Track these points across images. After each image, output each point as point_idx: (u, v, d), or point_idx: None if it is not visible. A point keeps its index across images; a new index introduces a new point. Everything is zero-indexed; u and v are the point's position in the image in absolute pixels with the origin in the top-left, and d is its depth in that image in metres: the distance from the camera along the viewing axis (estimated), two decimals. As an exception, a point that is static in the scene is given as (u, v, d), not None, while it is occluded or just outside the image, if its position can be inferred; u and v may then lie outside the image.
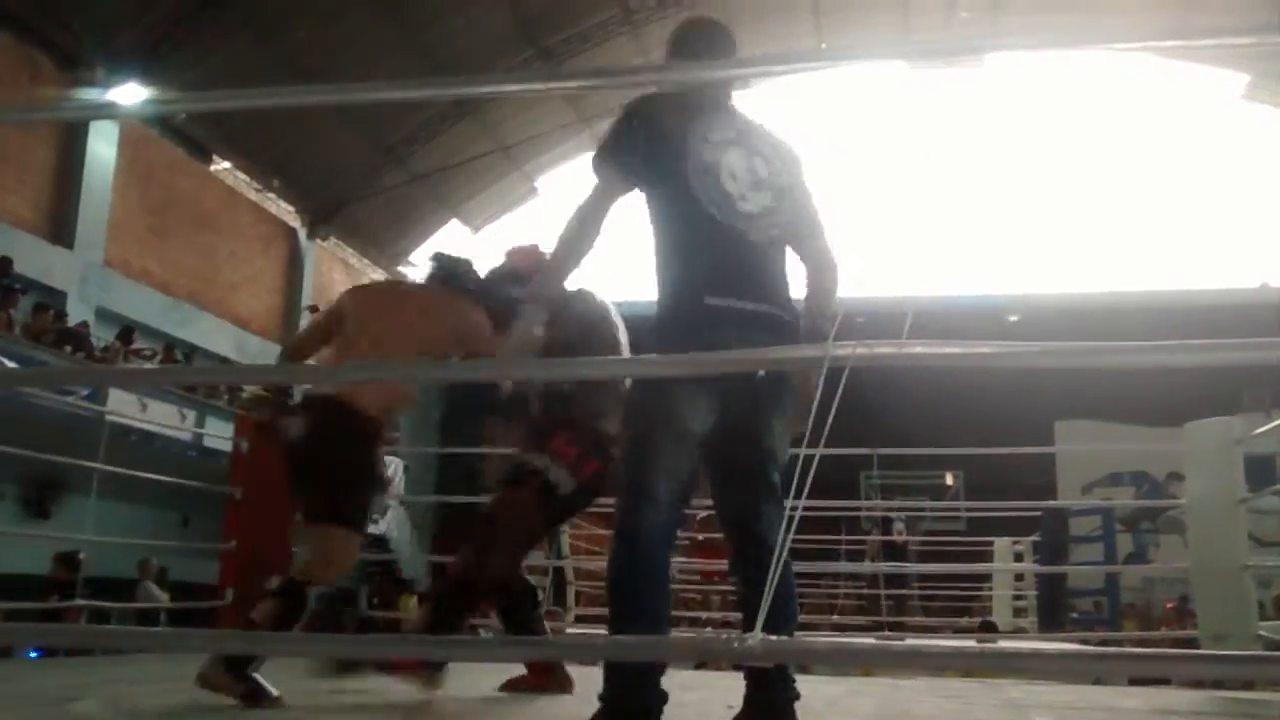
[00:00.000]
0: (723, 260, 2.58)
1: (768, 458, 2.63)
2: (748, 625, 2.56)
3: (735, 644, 1.53)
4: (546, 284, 2.89)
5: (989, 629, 9.89)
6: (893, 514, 10.89)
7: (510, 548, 3.85)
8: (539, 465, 3.77)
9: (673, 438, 2.51)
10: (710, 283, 2.55)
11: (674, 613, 10.08)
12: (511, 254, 4.26)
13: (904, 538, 10.68)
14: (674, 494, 2.53)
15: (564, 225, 2.83)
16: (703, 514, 7.74)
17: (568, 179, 24.16)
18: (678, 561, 11.18)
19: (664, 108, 2.77)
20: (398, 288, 4.81)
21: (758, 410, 2.59)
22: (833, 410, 1.87)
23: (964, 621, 11.59)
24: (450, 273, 4.02)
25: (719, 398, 2.51)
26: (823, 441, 1.94)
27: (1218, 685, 5.00)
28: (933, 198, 21.28)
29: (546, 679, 3.95)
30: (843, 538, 10.69)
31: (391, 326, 3.72)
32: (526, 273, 3.92)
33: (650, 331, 2.62)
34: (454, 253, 4.20)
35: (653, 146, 2.69)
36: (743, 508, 2.65)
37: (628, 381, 3.21)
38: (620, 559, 2.52)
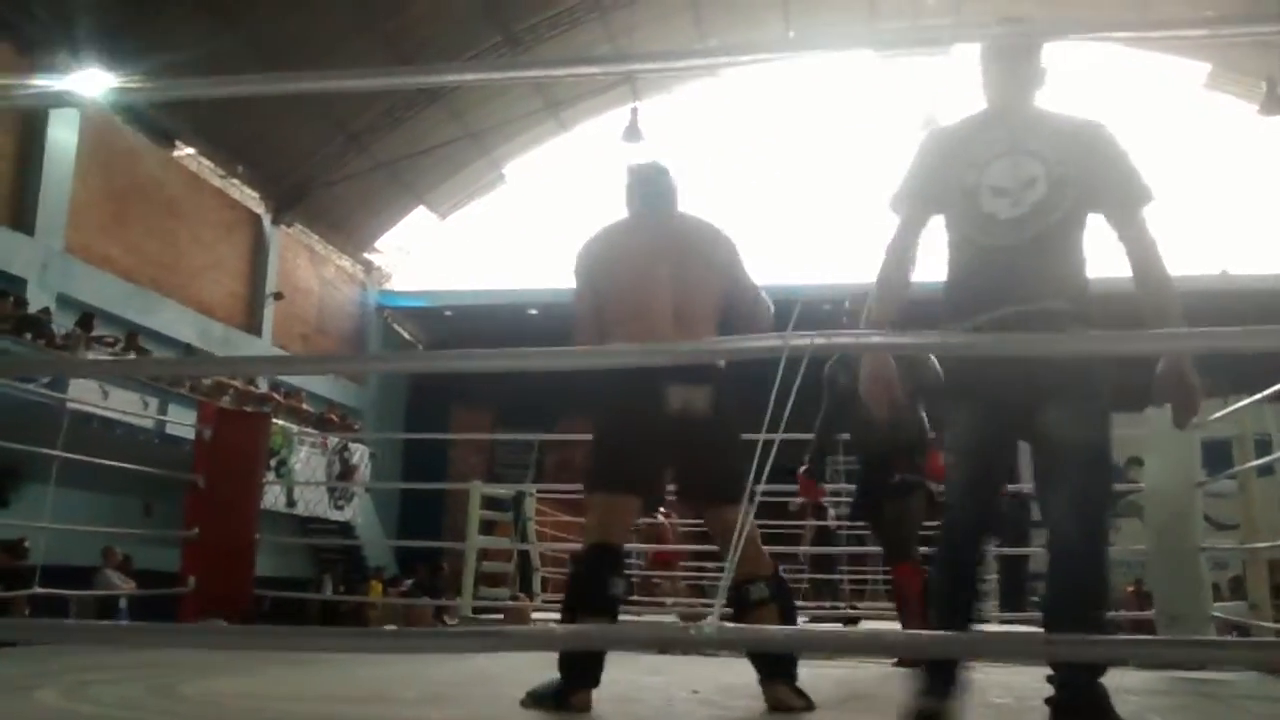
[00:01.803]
0: (986, 283, 2.71)
1: (1067, 455, 2.66)
2: (1049, 626, 2.66)
3: (692, 631, 1.55)
4: (876, 323, 2.90)
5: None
6: (826, 500, 10.93)
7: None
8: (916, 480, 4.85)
9: (965, 452, 2.74)
10: (975, 308, 2.70)
11: (639, 599, 10.12)
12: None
13: (836, 523, 10.76)
14: (979, 500, 2.75)
15: (880, 265, 2.89)
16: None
17: (535, 165, 24.13)
18: (641, 548, 11.24)
19: (942, 137, 2.91)
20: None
21: (1050, 407, 2.66)
22: (792, 397, 1.89)
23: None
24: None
25: (1001, 403, 2.67)
26: (783, 426, 1.96)
27: (1172, 665, 5.09)
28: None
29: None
30: (809, 523, 10.74)
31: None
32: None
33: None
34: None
35: (932, 177, 2.83)
36: (1057, 509, 2.68)
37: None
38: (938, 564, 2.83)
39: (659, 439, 3.43)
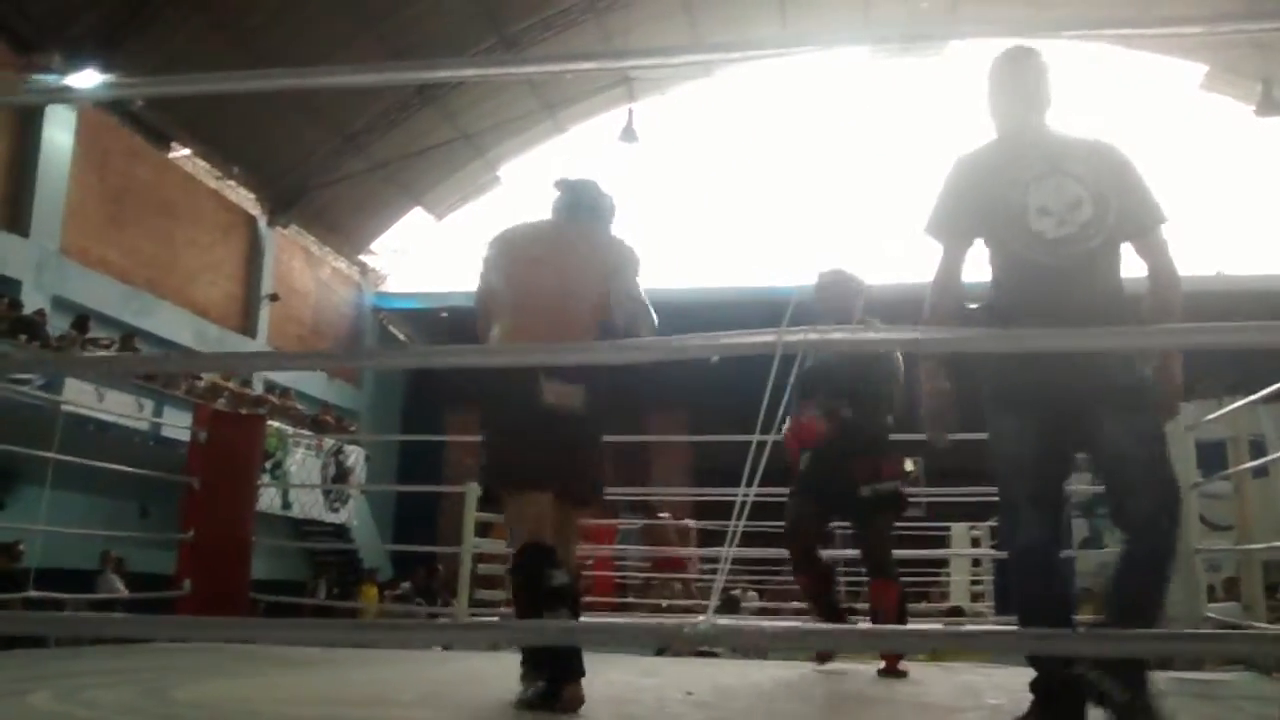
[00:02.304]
0: (1034, 299, 2.74)
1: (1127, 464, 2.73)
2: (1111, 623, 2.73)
3: (686, 629, 1.54)
4: (935, 354, 2.94)
5: (957, 613, 9.99)
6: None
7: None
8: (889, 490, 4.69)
9: (1019, 462, 2.78)
10: (1024, 320, 2.73)
11: (631, 600, 10.10)
12: None
13: (836, 525, 10.75)
14: (1044, 515, 2.78)
15: (931, 294, 2.92)
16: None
17: (531, 167, 24.10)
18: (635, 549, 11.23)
19: (973, 162, 2.94)
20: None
21: (1107, 420, 2.72)
22: (786, 394, 1.88)
23: (922, 606, 11.69)
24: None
25: (1051, 415, 2.72)
26: (775, 428, 1.95)
27: (1166, 665, 5.08)
28: (895, 184, 21.38)
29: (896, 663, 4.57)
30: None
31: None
32: None
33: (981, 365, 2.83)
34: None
35: (968, 201, 2.86)
36: (1127, 512, 2.74)
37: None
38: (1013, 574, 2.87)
39: (537, 432, 3.49)
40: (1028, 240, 2.78)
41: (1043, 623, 2.72)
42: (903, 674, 4.54)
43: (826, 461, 4.75)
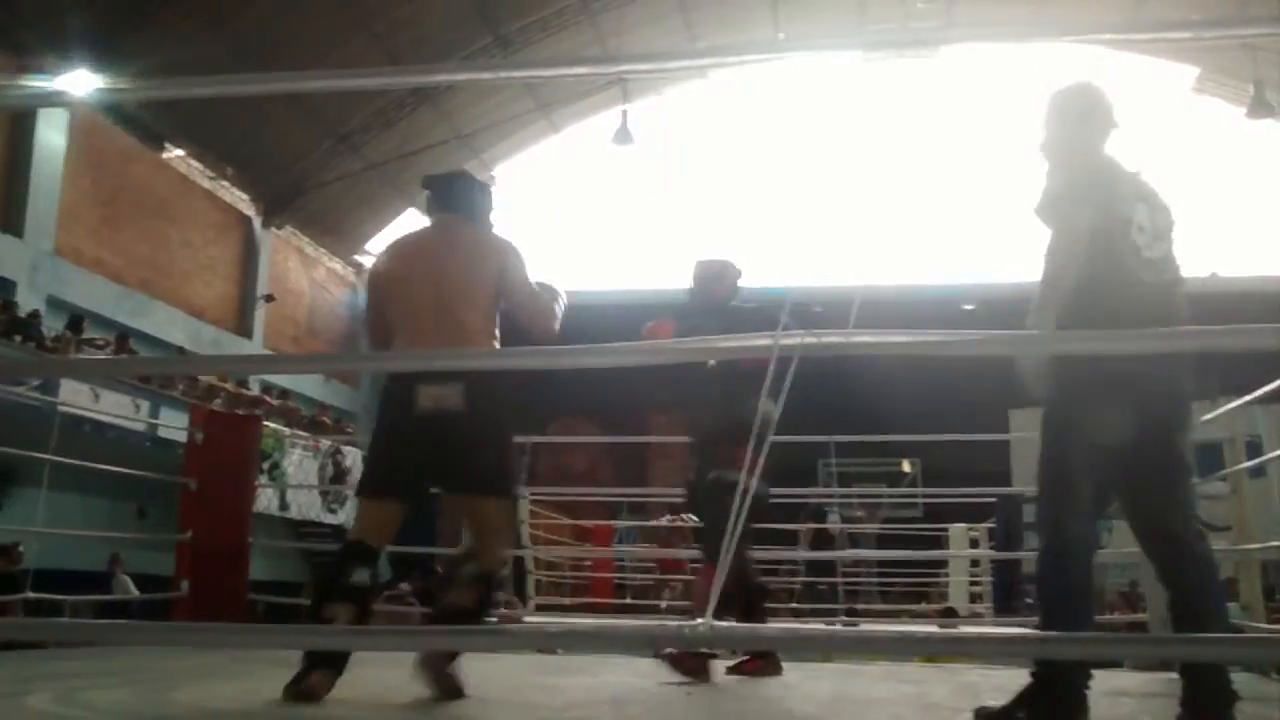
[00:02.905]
0: (1136, 313, 2.79)
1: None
2: (1175, 626, 2.93)
3: (685, 630, 1.55)
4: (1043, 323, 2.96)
5: (950, 614, 10.01)
6: (827, 505, 10.95)
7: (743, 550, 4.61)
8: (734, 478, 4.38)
9: (1100, 454, 2.84)
10: (1134, 313, 2.79)
11: (631, 601, 10.12)
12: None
13: (838, 527, 10.74)
14: (1096, 504, 2.92)
15: (1050, 273, 2.94)
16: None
17: (526, 167, 24.11)
18: (631, 549, 11.24)
19: (1098, 165, 3.11)
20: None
21: (1170, 428, 2.89)
22: (781, 398, 1.89)
23: (921, 607, 11.71)
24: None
25: (1136, 417, 2.82)
26: (773, 429, 1.96)
27: (1166, 666, 5.09)
28: (890, 187, 21.42)
29: (766, 665, 4.47)
30: (801, 525, 10.76)
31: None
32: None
33: (1067, 367, 2.83)
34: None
35: (1095, 199, 2.96)
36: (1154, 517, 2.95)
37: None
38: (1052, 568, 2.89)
39: (412, 439, 3.59)
40: (1130, 250, 2.91)
41: (1081, 613, 2.82)
42: (765, 673, 4.41)
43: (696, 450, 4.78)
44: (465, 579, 3.64)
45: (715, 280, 4.94)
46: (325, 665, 3.40)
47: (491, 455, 3.67)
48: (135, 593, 10.76)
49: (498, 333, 3.79)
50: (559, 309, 3.87)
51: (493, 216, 4.01)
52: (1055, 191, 3.00)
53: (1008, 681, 3.87)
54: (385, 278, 3.81)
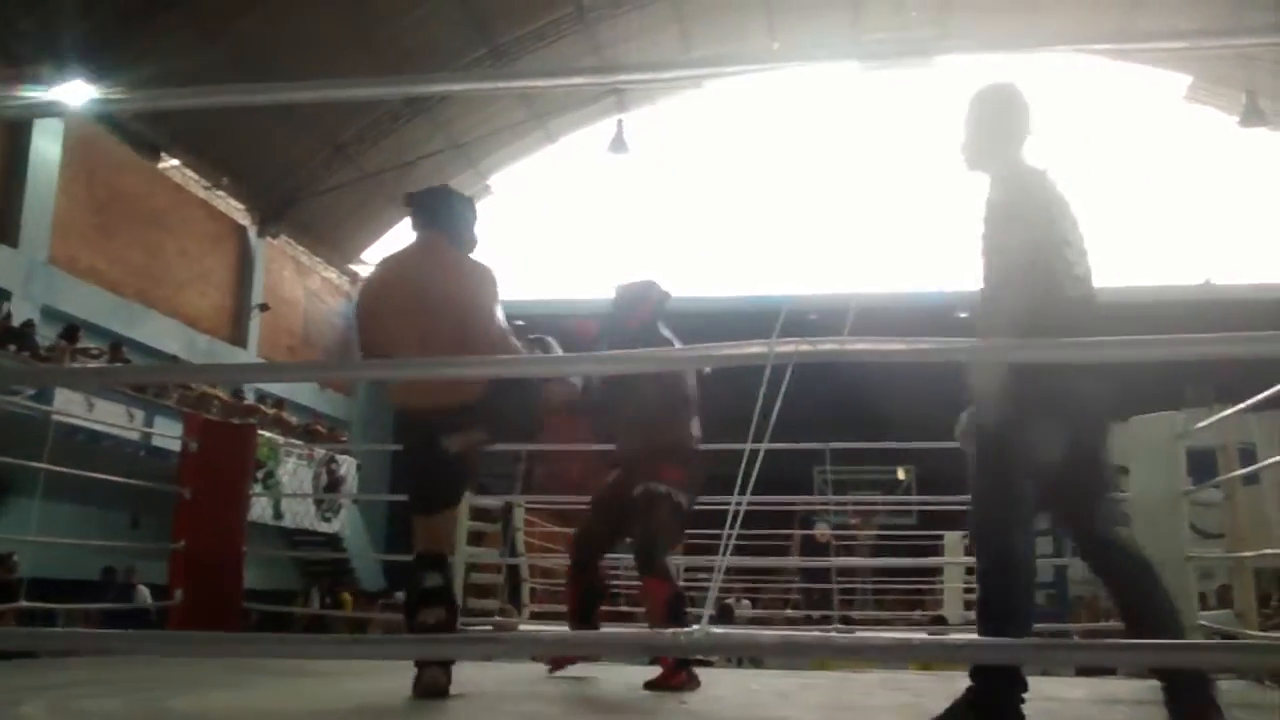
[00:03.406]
0: (1064, 324, 2.82)
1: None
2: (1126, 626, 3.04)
3: (681, 637, 1.55)
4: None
5: (939, 622, 9.99)
6: (816, 513, 10.98)
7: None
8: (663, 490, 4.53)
9: (1041, 469, 2.91)
10: (1071, 332, 2.80)
11: (622, 609, 10.10)
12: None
13: (826, 535, 10.75)
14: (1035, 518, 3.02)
15: (991, 295, 2.99)
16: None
17: (521, 177, 24.13)
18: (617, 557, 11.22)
19: (1038, 183, 3.07)
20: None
21: (1096, 444, 3.00)
22: (777, 405, 1.89)
23: (916, 615, 11.71)
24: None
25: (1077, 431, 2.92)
26: (768, 436, 1.96)
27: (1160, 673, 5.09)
28: (884, 195, 21.46)
29: (679, 678, 4.35)
30: (795, 532, 10.77)
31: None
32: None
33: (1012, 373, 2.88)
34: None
35: (1034, 220, 2.97)
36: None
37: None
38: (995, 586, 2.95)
39: (436, 467, 3.82)
40: (1065, 268, 2.96)
41: (1024, 632, 2.90)
42: (679, 688, 4.28)
43: (626, 466, 4.75)
44: (429, 594, 3.73)
45: (639, 300, 4.96)
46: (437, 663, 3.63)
47: (439, 477, 3.89)
48: (152, 604, 10.73)
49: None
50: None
51: (477, 229, 4.05)
52: (997, 209, 3.02)
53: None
54: (367, 311, 3.94)
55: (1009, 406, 2.85)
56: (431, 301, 3.75)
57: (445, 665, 3.71)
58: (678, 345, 4.67)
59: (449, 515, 4.04)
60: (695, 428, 4.76)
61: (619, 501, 4.69)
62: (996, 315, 2.91)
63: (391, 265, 4.01)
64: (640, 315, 4.88)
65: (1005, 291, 2.90)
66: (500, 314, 3.84)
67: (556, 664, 4.73)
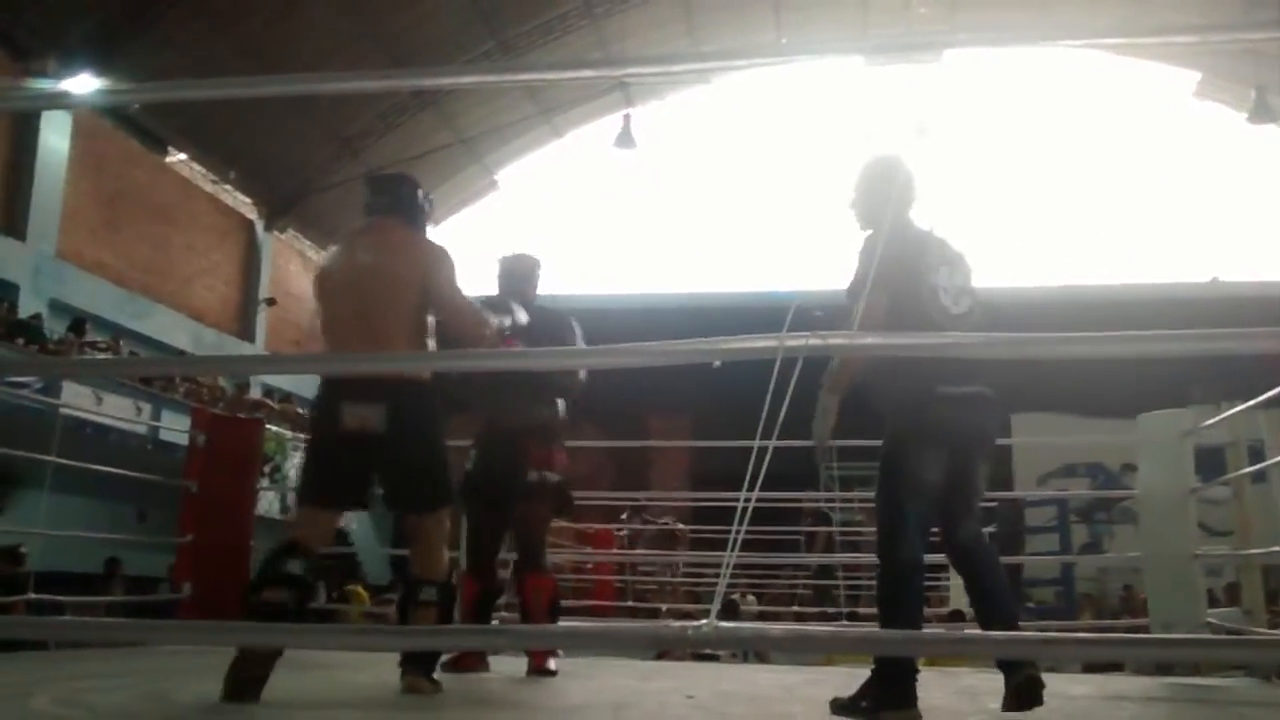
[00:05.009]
0: (949, 364, 3.29)
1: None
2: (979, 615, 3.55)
3: (689, 632, 1.55)
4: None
5: (957, 617, 9.96)
6: (828, 509, 10.98)
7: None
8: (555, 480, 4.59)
9: (926, 488, 3.38)
10: (939, 381, 3.32)
11: (630, 604, 10.13)
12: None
13: (841, 529, 10.75)
14: (927, 531, 3.47)
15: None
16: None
17: (528, 171, 24.12)
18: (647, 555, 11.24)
19: (902, 241, 3.49)
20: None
21: (974, 463, 3.47)
22: (787, 398, 1.89)
23: (934, 610, 11.67)
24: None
25: (951, 452, 3.39)
26: (776, 433, 1.96)
27: (1166, 671, 5.09)
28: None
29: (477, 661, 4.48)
30: (801, 529, 10.76)
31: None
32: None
33: (894, 409, 3.42)
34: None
35: (897, 272, 3.36)
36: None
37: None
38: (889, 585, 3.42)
39: (338, 454, 3.63)
40: (938, 309, 3.41)
41: (914, 623, 3.39)
42: (552, 673, 4.34)
43: (495, 449, 4.68)
44: (423, 604, 3.70)
45: (527, 279, 4.88)
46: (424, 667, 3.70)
47: (417, 474, 3.74)
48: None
49: (430, 341, 3.79)
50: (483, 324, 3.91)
51: (429, 225, 4.05)
52: (855, 276, 3.41)
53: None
54: (319, 283, 3.87)
55: (897, 436, 3.37)
56: (381, 274, 3.71)
57: (430, 669, 3.75)
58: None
59: (327, 515, 3.80)
60: (562, 409, 4.76)
61: (502, 486, 4.60)
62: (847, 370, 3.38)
63: (341, 243, 3.99)
64: (528, 295, 4.76)
65: (854, 359, 3.32)
66: (460, 286, 3.83)
67: (457, 663, 4.44)
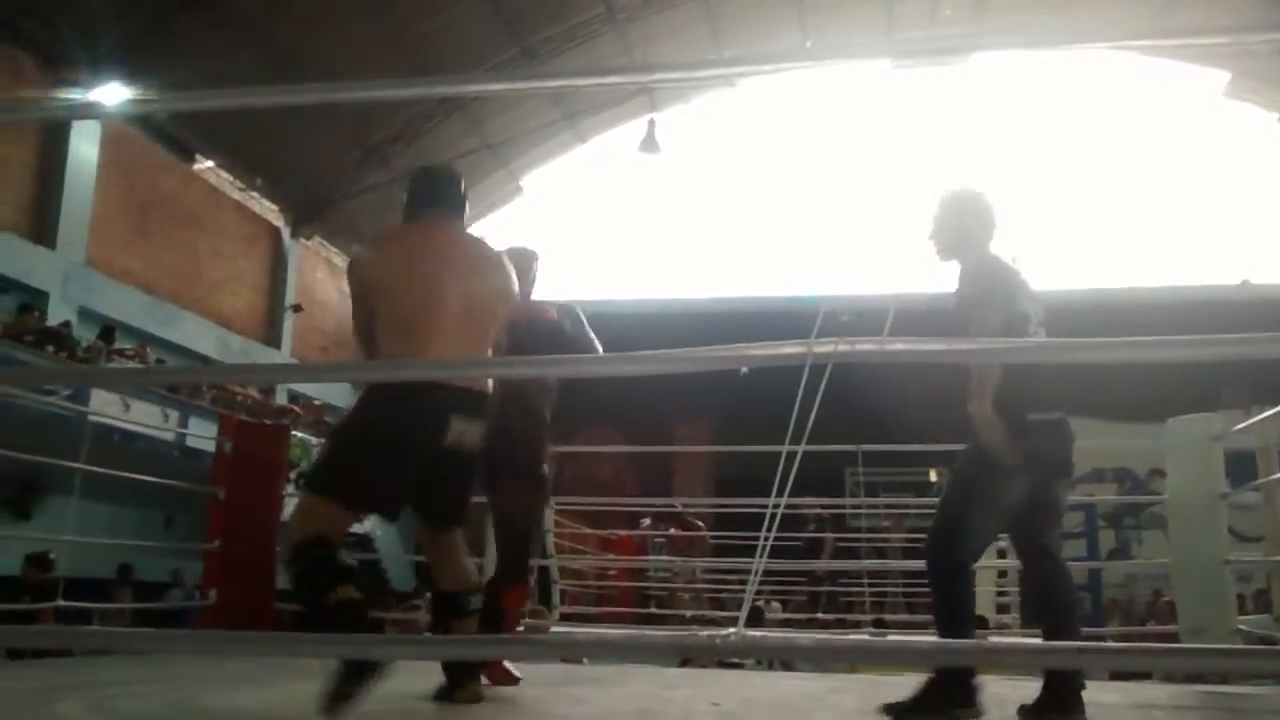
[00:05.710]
0: (1037, 384, 3.52)
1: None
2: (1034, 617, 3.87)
3: (717, 641, 1.53)
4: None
5: (982, 625, 9.90)
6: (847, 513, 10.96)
7: None
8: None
9: (1006, 510, 3.57)
10: (1029, 402, 3.49)
11: (657, 611, 10.12)
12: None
13: (867, 537, 10.73)
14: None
15: (979, 368, 3.49)
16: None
17: (553, 177, 24.16)
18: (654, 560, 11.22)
19: (1002, 269, 3.74)
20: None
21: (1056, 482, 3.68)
22: (815, 407, 1.88)
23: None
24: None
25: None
26: (805, 439, 1.95)
27: (1196, 679, 5.03)
28: (916, 195, 21.34)
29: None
30: (828, 534, 10.72)
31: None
32: None
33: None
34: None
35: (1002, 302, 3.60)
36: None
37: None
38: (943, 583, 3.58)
39: (421, 465, 3.35)
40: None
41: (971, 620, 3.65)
42: (516, 680, 4.24)
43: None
44: (469, 612, 3.61)
45: (524, 273, 4.34)
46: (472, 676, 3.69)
47: (469, 491, 3.63)
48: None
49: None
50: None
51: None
52: (969, 297, 3.59)
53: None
54: (379, 268, 3.50)
55: (994, 462, 3.45)
56: (473, 280, 3.50)
57: (477, 676, 3.74)
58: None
59: (348, 516, 3.46)
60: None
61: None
62: (983, 389, 3.46)
63: (411, 235, 3.69)
64: (526, 290, 4.42)
65: (988, 370, 3.42)
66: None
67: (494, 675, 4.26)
